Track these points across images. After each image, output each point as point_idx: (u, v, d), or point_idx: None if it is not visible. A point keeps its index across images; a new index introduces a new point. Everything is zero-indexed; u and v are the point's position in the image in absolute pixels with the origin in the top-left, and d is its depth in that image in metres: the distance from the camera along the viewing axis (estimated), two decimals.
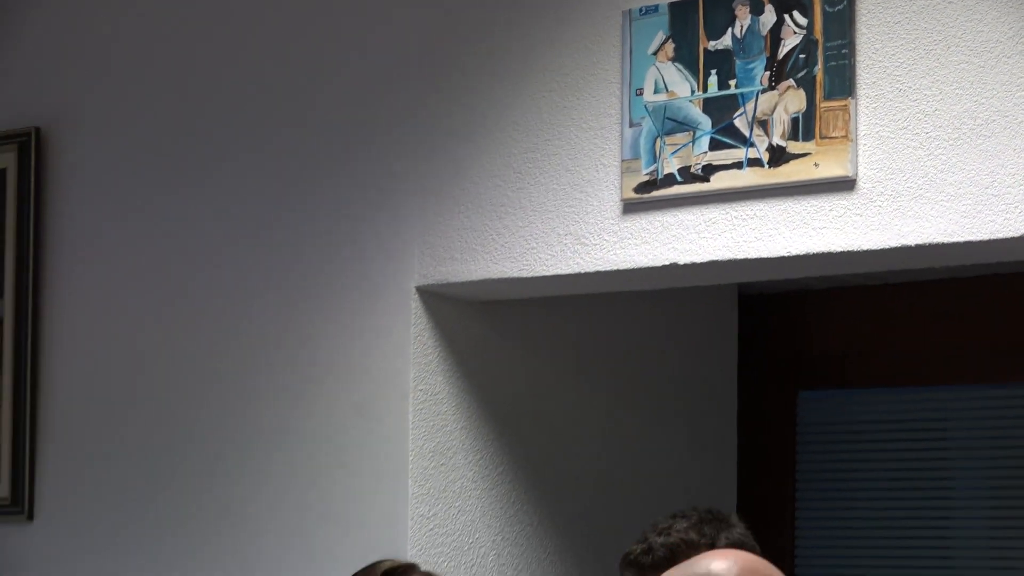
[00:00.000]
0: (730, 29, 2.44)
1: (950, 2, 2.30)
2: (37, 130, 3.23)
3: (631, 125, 2.47)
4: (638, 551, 2.16)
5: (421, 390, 2.70)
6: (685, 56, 2.45)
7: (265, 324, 2.91)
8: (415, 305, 2.72)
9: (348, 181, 2.86)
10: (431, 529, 2.68)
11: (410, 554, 2.48)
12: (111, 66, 3.19)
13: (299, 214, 2.93)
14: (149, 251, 3.08)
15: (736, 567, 1.55)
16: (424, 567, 2.13)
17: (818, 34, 2.37)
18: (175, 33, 3.11)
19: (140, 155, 3.14)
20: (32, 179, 3.22)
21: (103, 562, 3.04)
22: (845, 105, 2.28)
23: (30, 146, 3.25)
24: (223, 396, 2.96)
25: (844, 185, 2.26)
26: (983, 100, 2.24)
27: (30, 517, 3.11)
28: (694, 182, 2.39)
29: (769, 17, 2.40)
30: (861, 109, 2.26)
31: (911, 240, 2.21)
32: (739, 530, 2.15)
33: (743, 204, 2.37)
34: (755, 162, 2.35)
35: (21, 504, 3.14)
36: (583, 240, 2.48)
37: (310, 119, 2.96)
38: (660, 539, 2.13)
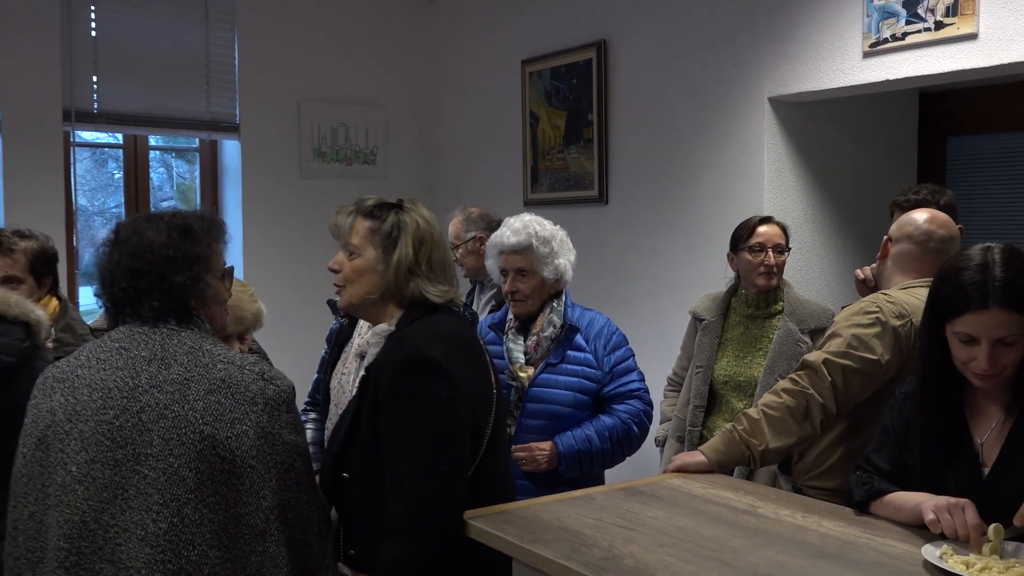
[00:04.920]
0: None
1: None
2: (605, 41, 4.01)
3: (867, 15, 3.26)
4: (901, 200, 3.02)
5: (769, 144, 3.65)
6: None
7: (678, 123, 3.84)
8: (767, 109, 3.59)
9: (715, 23, 3.59)
10: (775, 206, 3.65)
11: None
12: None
13: (688, 48, 3.70)
14: (667, 97, 3.81)
15: (930, 216, 2.34)
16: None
17: None
18: None
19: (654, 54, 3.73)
20: (603, 68, 4.02)
21: (642, 230, 3.90)
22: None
23: (602, 49, 4.01)
24: (670, 157, 3.82)
25: (971, 37, 2.97)
26: None
27: (606, 203, 4.04)
28: (895, 41, 3.18)
29: None
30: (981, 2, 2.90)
31: (1006, 60, 2.90)
32: (949, 196, 2.98)
33: (920, 49, 3.10)
34: (927, 29, 3.08)
35: (603, 196, 4.04)
36: (843, 71, 3.34)
37: None
38: (912, 196, 3.02)
